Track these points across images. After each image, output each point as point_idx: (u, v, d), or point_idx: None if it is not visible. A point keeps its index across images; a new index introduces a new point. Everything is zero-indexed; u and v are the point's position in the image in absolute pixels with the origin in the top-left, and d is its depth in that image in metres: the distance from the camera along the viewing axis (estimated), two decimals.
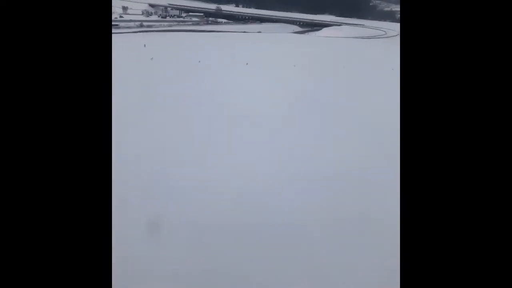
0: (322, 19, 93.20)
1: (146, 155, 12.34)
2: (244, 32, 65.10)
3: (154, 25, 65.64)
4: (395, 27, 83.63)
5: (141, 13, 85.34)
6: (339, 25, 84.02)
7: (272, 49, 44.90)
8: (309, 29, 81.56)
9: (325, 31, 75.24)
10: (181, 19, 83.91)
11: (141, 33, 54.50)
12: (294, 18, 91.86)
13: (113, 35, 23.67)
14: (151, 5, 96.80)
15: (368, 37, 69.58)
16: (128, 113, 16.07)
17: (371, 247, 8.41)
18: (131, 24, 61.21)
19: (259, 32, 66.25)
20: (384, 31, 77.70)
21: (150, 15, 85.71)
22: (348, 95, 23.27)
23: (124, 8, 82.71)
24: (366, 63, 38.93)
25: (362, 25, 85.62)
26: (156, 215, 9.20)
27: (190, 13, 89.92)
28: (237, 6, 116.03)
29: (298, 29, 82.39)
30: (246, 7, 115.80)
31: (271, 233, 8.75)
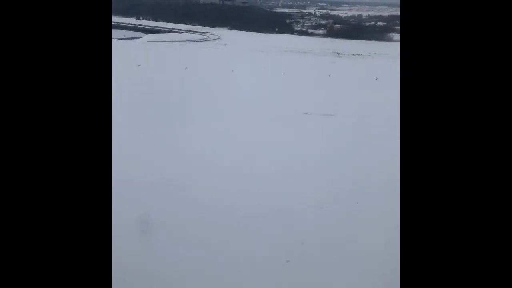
0: (178, 28, 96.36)
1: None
2: None
3: None
4: (219, 32, 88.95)
5: None
6: (181, 32, 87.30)
7: None
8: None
9: (148, 36, 78.65)
10: None
11: None
12: (150, 26, 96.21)
13: None
14: None
15: (190, 41, 73.01)
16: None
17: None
18: None
19: None
20: (207, 36, 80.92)
21: None
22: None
23: None
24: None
25: (209, 33, 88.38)
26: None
27: None
28: (137, 18, 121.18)
29: (141, 35, 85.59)
30: (145, 20, 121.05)
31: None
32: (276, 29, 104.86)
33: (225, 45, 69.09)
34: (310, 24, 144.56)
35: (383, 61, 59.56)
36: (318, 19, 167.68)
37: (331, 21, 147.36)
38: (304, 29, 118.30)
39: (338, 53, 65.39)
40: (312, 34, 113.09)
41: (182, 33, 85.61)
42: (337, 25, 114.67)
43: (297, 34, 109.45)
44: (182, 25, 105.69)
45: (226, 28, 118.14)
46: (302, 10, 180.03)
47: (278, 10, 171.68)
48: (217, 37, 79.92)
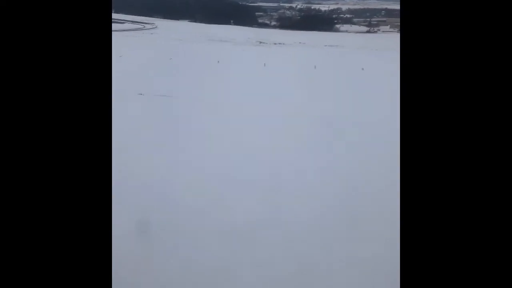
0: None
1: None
2: None
3: None
4: (167, 24, 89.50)
5: None
6: (123, 22, 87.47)
7: None
8: None
9: None
10: None
11: None
12: None
13: None
14: None
15: (122, 30, 73.12)
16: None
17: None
18: None
19: None
20: (144, 26, 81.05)
21: None
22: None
23: None
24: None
25: (152, 23, 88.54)
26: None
27: None
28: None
29: None
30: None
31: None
32: (231, 21, 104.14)
33: (151, 34, 69.07)
34: (278, 17, 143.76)
35: (296, 49, 58.85)
36: (293, 13, 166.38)
37: (302, 14, 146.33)
38: (267, 22, 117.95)
39: (261, 42, 64.84)
40: (272, 26, 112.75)
41: (124, 24, 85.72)
42: (289, 17, 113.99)
43: (257, 27, 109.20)
44: (140, 17, 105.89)
45: (187, 20, 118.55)
46: (282, 4, 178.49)
47: (258, 3, 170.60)
48: (153, 27, 79.96)
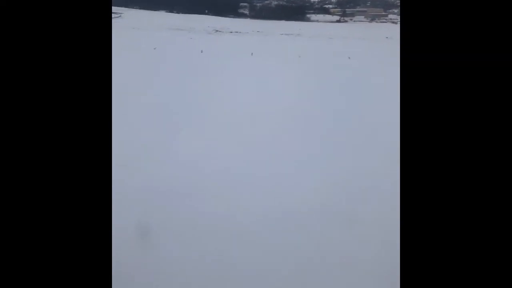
0: None
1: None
2: None
3: None
4: (127, 12, 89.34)
5: None
6: None
7: None
8: None
9: None
10: None
11: None
12: None
13: None
14: None
15: None
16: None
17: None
18: None
19: None
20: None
21: None
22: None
23: None
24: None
25: (120, 13, 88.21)
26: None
27: None
28: None
29: None
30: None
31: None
32: (206, 11, 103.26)
33: None
34: (250, 7, 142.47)
35: (245, 37, 58.21)
36: (281, 3, 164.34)
37: (292, 4, 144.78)
38: (245, 12, 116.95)
39: (217, 31, 64.26)
40: (250, 16, 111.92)
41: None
42: (259, 7, 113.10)
43: (233, 17, 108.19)
44: (114, 7, 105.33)
45: (164, 11, 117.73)
46: None
47: None
48: (117, 16, 79.63)
